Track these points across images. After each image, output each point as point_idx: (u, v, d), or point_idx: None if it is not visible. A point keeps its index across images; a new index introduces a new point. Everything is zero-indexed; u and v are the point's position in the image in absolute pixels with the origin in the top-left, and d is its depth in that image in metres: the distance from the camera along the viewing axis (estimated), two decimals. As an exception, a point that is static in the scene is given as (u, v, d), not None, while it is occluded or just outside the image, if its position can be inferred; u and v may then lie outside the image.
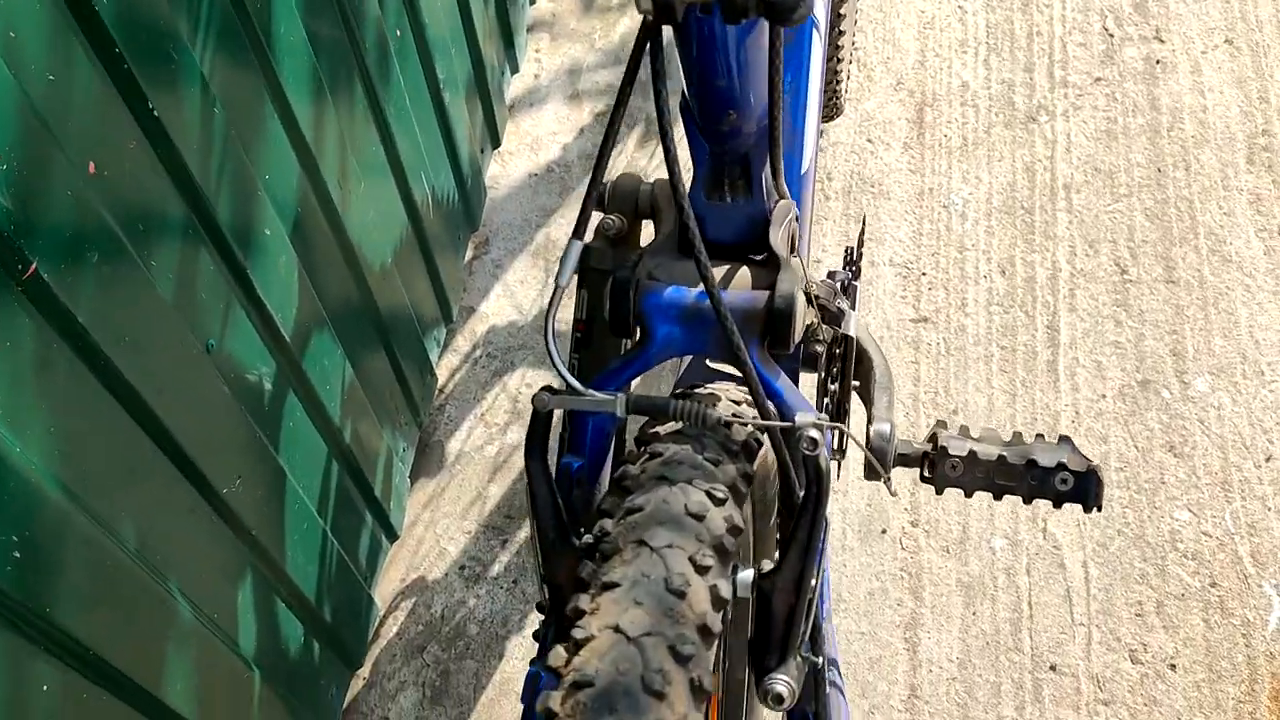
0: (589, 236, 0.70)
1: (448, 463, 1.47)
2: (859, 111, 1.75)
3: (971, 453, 0.72)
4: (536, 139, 1.78)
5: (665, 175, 0.66)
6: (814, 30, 0.94)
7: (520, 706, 0.73)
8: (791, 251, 0.61)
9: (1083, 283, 1.55)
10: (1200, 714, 1.23)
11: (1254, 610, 1.29)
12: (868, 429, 0.76)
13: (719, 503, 0.52)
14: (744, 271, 0.61)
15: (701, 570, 0.49)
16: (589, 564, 0.50)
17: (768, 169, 0.63)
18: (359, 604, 1.24)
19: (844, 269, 0.97)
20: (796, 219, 0.64)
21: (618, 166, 1.74)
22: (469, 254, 1.64)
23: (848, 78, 1.67)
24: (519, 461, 1.47)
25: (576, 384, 0.54)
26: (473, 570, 1.39)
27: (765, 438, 0.59)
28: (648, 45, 0.54)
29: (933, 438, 0.76)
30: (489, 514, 1.43)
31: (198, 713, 0.86)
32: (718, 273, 0.61)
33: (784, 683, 0.53)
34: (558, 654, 0.47)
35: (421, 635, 1.35)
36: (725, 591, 0.49)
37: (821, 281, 0.87)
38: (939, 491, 0.73)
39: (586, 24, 1.92)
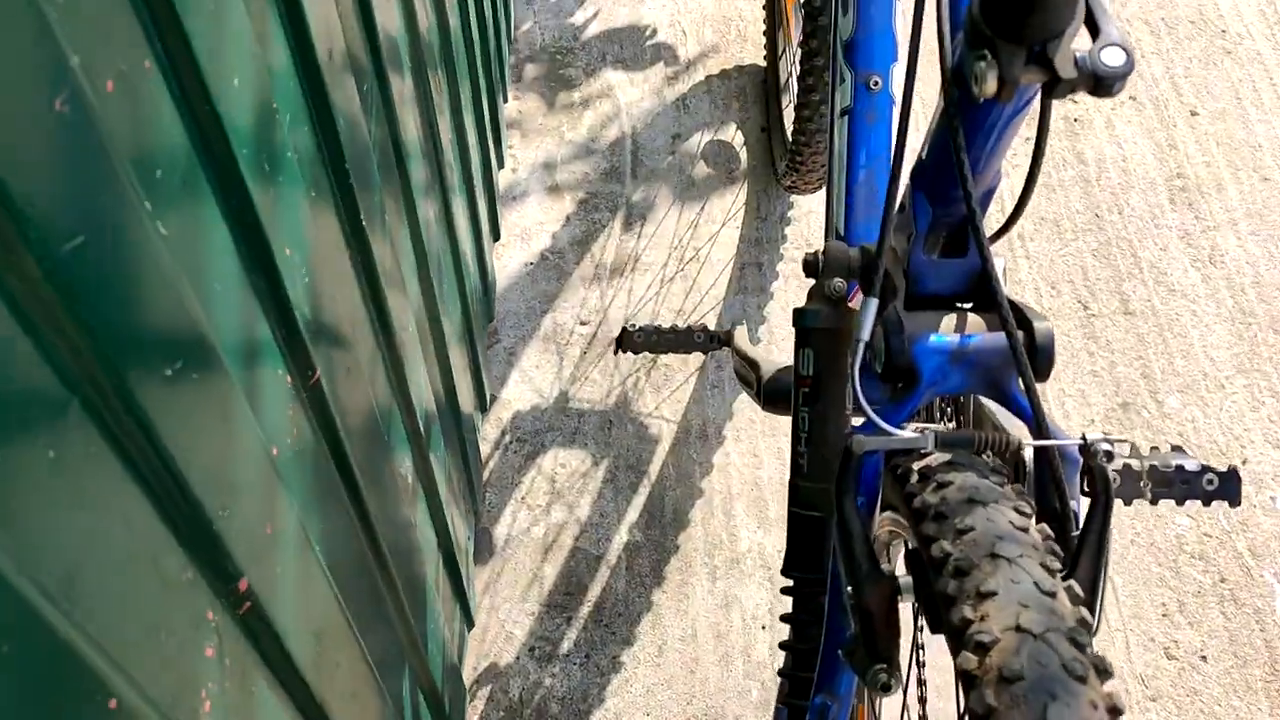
0: (805, 300, 0.78)
1: (498, 548, 1.50)
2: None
3: (1126, 465, 0.82)
4: (525, 230, 1.84)
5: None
6: (891, 107, 1.05)
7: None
8: None
9: (1053, 320, 1.71)
10: (1236, 697, 1.36)
11: (1261, 598, 1.43)
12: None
13: (1028, 516, 0.60)
14: (975, 319, 0.70)
15: (1053, 573, 0.56)
16: (947, 580, 0.57)
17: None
18: (460, 693, 1.26)
19: None
20: (1006, 271, 0.74)
21: (609, 251, 1.82)
22: (486, 343, 1.68)
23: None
24: (568, 540, 1.51)
25: (889, 427, 0.61)
26: (543, 650, 1.41)
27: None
28: (956, 120, 0.62)
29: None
30: (549, 593, 1.46)
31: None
32: (949, 321, 0.69)
33: (1086, 674, 0.61)
34: (967, 659, 0.53)
35: (504, 721, 1.36)
36: (1077, 590, 0.57)
37: None
38: (1101, 503, 0.83)
39: (554, 120, 2.00)
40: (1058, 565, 0.57)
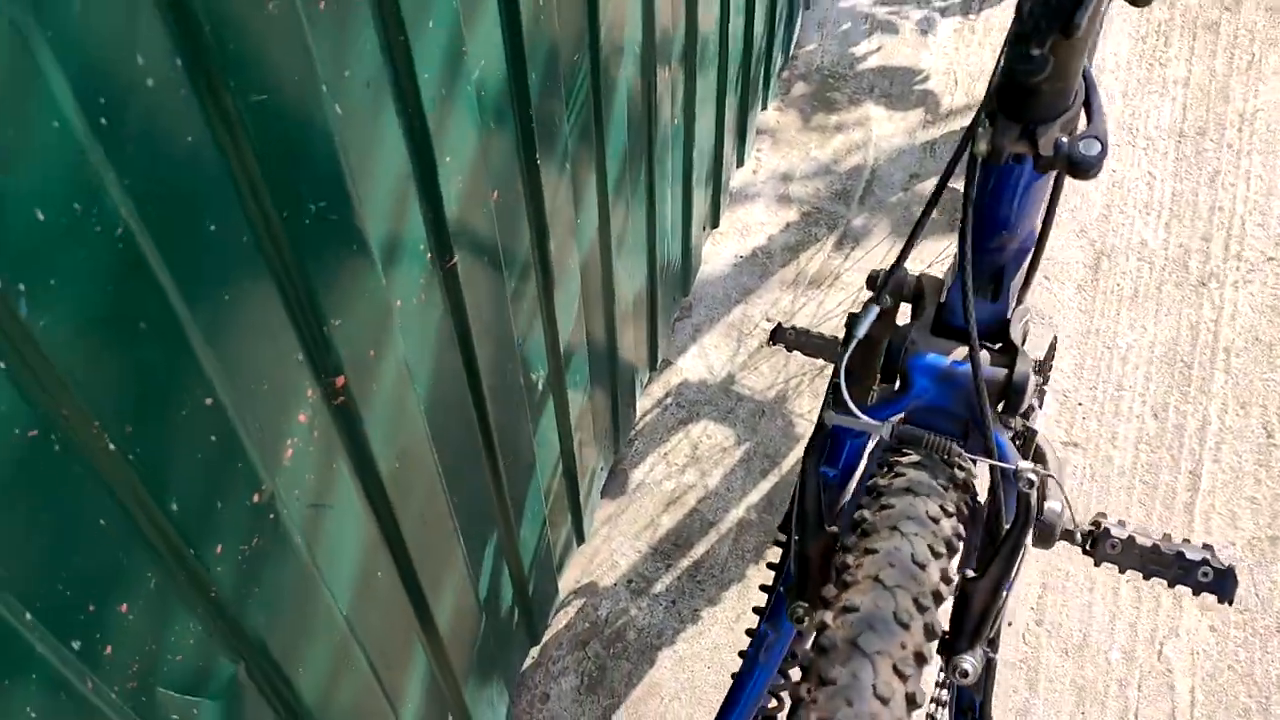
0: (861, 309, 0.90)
1: (629, 489, 1.68)
2: (1041, 250, 1.93)
3: (1130, 537, 0.89)
4: (746, 226, 2.00)
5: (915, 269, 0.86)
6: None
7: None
8: (1022, 344, 0.80)
9: (1229, 439, 1.68)
10: (1284, 847, 1.33)
11: (1350, 765, 1.38)
12: (1040, 503, 0.94)
13: (948, 515, 0.71)
14: (984, 355, 0.80)
15: (936, 554, 0.67)
16: (852, 537, 0.69)
17: (1015, 279, 0.82)
18: (549, 589, 1.45)
19: (1035, 374, 1.15)
20: (1028, 322, 0.83)
21: (814, 263, 1.95)
22: (675, 314, 1.86)
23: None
24: (691, 500, 1.66)
25: (858, 412, 0.74)
26: (638, 585, 1.58)
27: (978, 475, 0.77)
28: (975, 178, 0.73)
29: (1095, 522, 0.93)
30: (659, 539, 1.63)
31: (450, 631, 1.07)
32: (961, 351, 0.80)
33: (970, 662, 0.70)
34: (829, 590, 0.65)
35: (586, 631, 1.54)
36: (951, 574, 0.67)
37: None
38: (1097, 564, 0.90)
39: (804, 136, 2.15)
40: (945, 551, 0.68)
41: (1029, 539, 0.71)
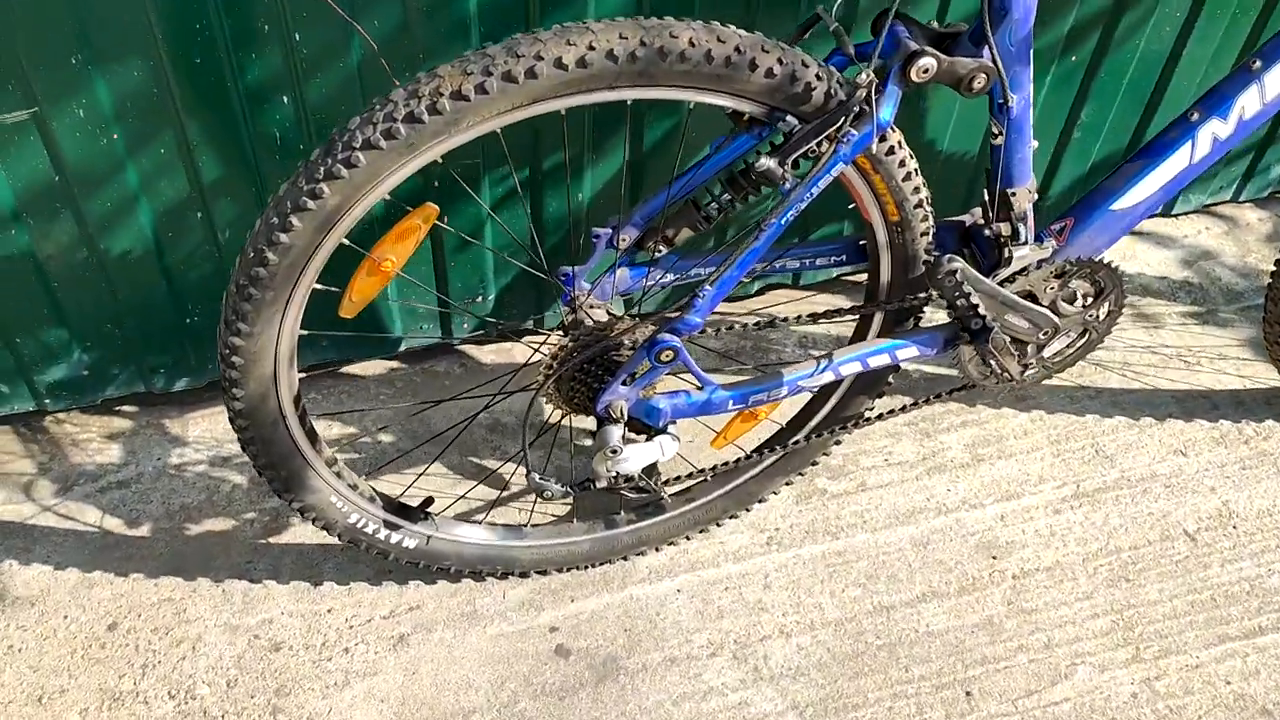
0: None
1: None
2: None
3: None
4: (1160, 235, 2.43)
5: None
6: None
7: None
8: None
9: (1165, 563, 1.84)
10: None
11: None
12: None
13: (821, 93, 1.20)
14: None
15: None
16: None
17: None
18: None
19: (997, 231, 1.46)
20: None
21: (1151, 308, 2.34)
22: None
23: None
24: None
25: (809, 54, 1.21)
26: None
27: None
28: None
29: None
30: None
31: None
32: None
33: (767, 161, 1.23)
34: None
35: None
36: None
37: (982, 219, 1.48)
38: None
39: (1260, 242, 2.39)
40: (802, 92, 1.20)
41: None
